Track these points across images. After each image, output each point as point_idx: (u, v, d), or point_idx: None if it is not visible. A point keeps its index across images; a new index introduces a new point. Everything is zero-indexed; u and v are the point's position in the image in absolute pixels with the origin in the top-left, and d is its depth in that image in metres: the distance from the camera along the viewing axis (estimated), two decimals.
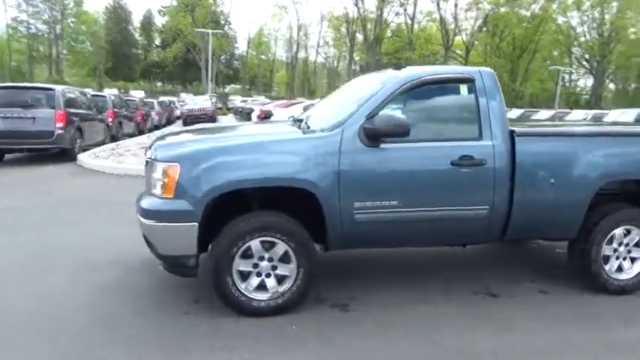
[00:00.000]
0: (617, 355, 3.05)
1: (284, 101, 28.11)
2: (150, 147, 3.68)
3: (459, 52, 57.16)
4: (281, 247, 3.34)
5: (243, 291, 3.33)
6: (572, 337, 3.23)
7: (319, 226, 3.41)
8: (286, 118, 5.60)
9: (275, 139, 3.55)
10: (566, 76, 58.56)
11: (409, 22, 57.77)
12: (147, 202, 3.35)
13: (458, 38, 57.31)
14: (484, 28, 54.34)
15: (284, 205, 3.45)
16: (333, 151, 3.34)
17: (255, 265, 3.36)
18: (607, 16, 54.05)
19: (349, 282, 4.00)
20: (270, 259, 3.36)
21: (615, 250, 3.86)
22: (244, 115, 25.93)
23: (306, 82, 72.59)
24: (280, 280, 3.40)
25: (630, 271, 3.90)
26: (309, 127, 3.70)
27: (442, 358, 2.94)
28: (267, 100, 36.41)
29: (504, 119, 3.67)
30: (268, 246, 3.34)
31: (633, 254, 3.91)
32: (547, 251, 4.99)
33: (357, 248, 3.84)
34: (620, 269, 3.89)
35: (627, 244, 3.88)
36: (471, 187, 3.57)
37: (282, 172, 3.31)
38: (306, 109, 16.72)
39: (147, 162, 3.57)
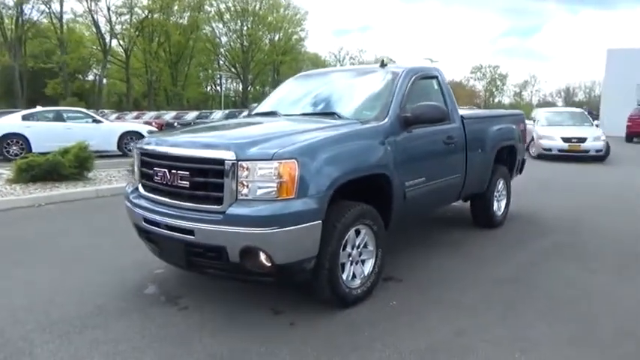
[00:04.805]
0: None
1: None
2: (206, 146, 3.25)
3: (118, 58, 54.39)
4: (364, 233, 3.47)
5: (346, 283, 3.35)
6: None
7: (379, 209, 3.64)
8: None
9: (354, 131, 3.60)
10: (218, 80, 62.97)
11: (56, 21, 51.17)
12: (253, 209, 2.92)
13: (115, 43, 54.40)
14: (139, 34, 52.95)
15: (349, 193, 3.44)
16: (390, 139, 3.71)
17: (349, 255, 3.40)
18: (245, 29, 60.55)
19: None
20: (358, 247, 3.49)
21: (494, 195, 5.54)
22: None
23: None
24: (363, 264, 3.56)
25: (501, 209, 5.69)
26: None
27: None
28: None
29: (457, 107, 4.83)
30: (356, 233, 3.42)
31: (499, 197, 5.69)
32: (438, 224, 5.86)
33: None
34: (498, 208, 5.63)
35: (498, 190, 5.63)
36: (454, 159, 4.60)
37: (373, 160, 3.53)
38: (26, 117, 13.73)
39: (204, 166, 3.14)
